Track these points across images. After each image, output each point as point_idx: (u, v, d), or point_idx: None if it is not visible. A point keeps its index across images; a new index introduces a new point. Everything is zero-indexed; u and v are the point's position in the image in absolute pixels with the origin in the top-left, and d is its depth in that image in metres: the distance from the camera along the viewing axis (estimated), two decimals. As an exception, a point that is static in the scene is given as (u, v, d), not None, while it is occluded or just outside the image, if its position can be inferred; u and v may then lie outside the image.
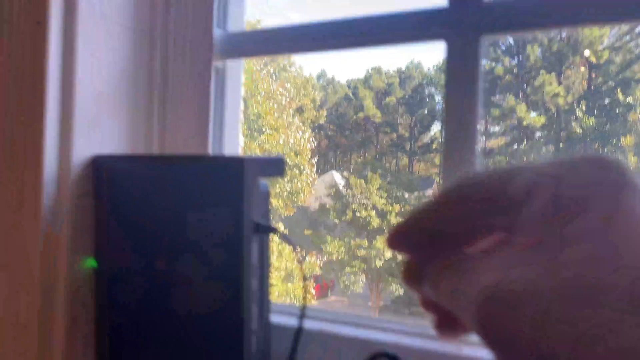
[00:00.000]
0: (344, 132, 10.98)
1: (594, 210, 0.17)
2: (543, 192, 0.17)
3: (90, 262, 0.50)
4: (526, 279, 0.15)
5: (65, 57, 0.47)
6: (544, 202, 0.17)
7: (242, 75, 0.63)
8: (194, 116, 0.55)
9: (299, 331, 0.34)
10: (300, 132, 6.96)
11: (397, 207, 7.63)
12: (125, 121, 0.54)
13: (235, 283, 0.38)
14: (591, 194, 0.17)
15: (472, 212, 0.18)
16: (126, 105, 0.54)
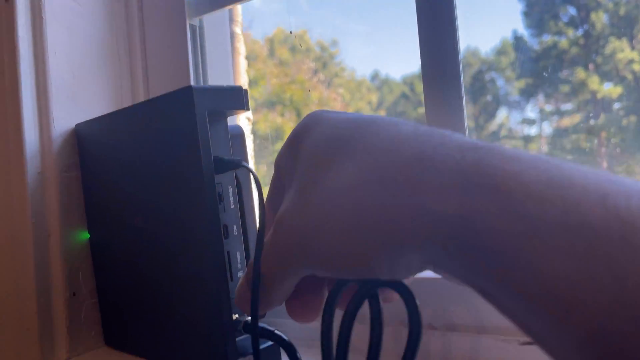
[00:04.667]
0: (406, 130, 10.88)
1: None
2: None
3: (84, 234, 0.49)
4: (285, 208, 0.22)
5: (35, 32, 0.48)
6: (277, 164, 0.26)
7: (226, 30, 0.62)
8: (176, 76, 0.55)
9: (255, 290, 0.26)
10: (361, 135, 6.87)
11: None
12: (108, 88, 0.53)
13: (204, 228, 0.34)
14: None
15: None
16: (107, 72, 0.54)
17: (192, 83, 0.55)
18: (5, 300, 0.48)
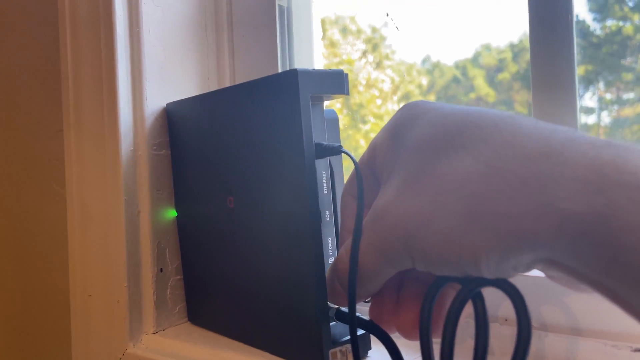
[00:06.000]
0: (455, 116, 10.62)
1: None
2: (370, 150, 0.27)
3: (171, 212, 0.50)
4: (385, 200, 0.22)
5: (131, 11, 0.49)
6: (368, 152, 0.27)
7: (311, 12, 0.61)
8: (262, 57, 0.55)
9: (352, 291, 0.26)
10: (408, 119, 6.76)
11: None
12: (195, 67, 0.54)
13: (303, 213, 0.34)
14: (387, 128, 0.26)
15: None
16: (195, 52, 0.54)
17: (280, 66, 0.55)
18: (98, 272, 0.50)
